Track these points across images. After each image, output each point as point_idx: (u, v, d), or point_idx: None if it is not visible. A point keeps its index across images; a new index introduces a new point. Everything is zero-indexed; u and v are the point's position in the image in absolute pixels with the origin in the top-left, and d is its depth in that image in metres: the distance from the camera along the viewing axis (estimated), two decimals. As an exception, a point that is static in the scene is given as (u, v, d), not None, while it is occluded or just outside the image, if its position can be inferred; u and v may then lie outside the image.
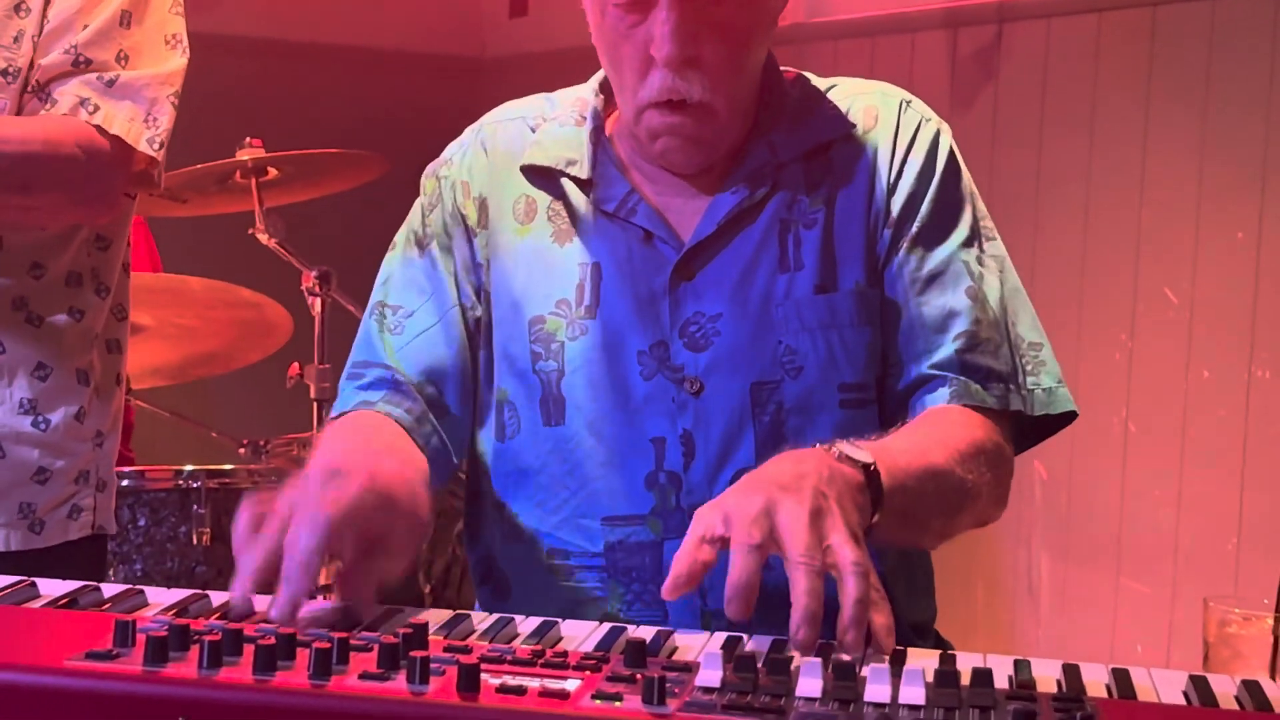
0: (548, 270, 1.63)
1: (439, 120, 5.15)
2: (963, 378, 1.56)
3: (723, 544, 1.24)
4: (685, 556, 1.24)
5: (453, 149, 1.75)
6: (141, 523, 2.96)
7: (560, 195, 1.65)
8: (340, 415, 1.64)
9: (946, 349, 1.57)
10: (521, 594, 1.66)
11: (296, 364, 3.10)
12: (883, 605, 1.22)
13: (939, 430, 1.52)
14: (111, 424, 2.08)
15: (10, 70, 1.90)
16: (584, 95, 1.70)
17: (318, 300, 3.10)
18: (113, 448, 2.09)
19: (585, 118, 1.67)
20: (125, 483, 2.92)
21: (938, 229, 1.61)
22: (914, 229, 1.60)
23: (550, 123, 1.69)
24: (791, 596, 1.18)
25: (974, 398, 1.55)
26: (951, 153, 1.65)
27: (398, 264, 1.71)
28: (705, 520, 1.26)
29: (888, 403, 1.60)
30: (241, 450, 3.14)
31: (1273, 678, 1.87)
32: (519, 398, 1.63)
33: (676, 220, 1.61)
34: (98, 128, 1.90)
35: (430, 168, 1.76)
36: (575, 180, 1.64)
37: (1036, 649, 3.49)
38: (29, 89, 1.91)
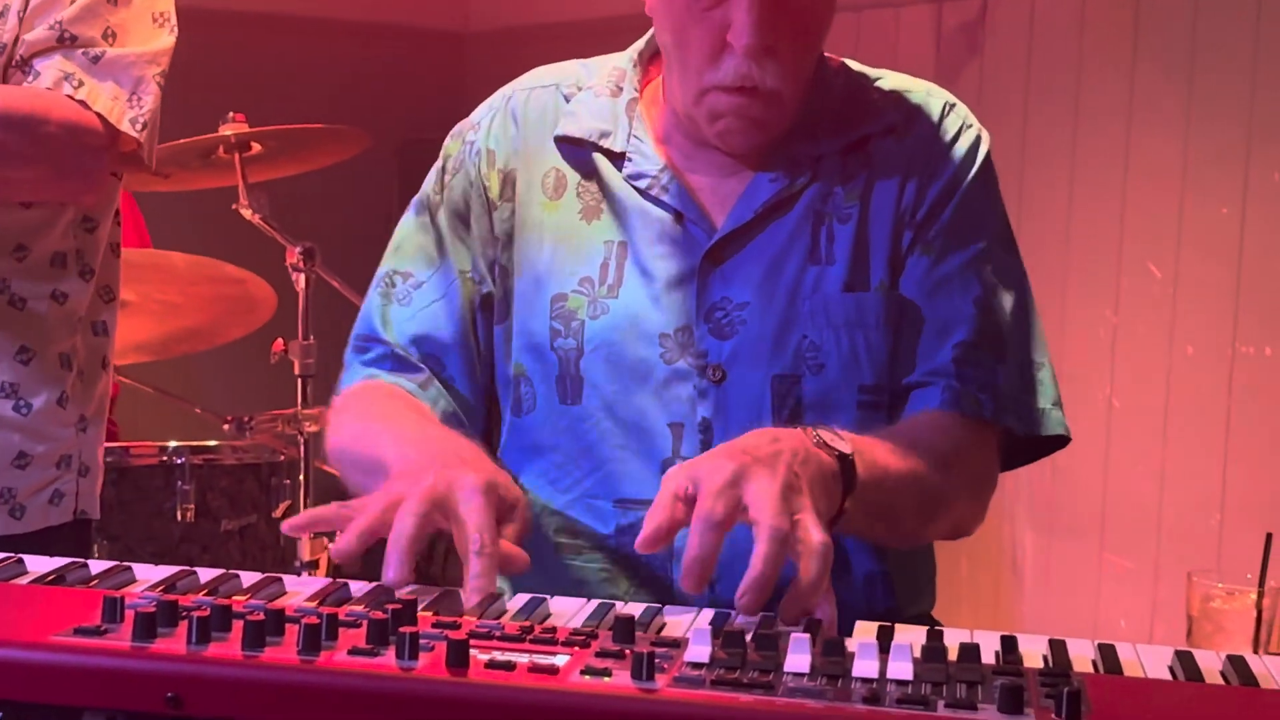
0: (572, 247, 1.61)
1: (423, 94, 5.14)
2: (957, 384, 1.54)
3: (692, 505, 1.25)
4: (658, 513, 1.25)
5: (481, 112, 1.71)
6: (125, 498, 2.96)
7: (591, 169, 1.63)
8: (350, 388, 1.64)
9: (945, 354, 1.55)
10: (527, 575, 1.66)
11: (281, 340, 3.10)
12: (829, 597, 1.22)
13: (923, 435, 1.51)
14: (96, 408, 2.06)
15: None
16: (621, 65, 1.67)
17: (302, 276, 3.09)
18: (97, 433, 2.07)
19: (621, 88, 1.65)
20: (109, 459, 2.91)
21: (957, 235, 1.58)
22: (934, 231, 1.58)
23: (585, 91, 1.66)
24: (750, 559, 1.18)
25: (965, 406, 1.54)
26: (987, 162, 1.63)
27: (412, 229, 1.69)
28: (676, 480, 1.27)
29: (898, 405, 1.58)
30: (226, 426, 3.14)
31: (1256, 651, 1.88)
32: (536, 374, 1.61)
33: (709, 201, 1.59)
34: (81, 103, 1.87)
35: (456, 128, 1.72)
36: (607, 153, 1.62)
37: (1020, 624, 3.51)
38: (12, 63, 1.88)
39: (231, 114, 3.15)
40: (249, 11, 4.48)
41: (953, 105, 1.64)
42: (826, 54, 1.66)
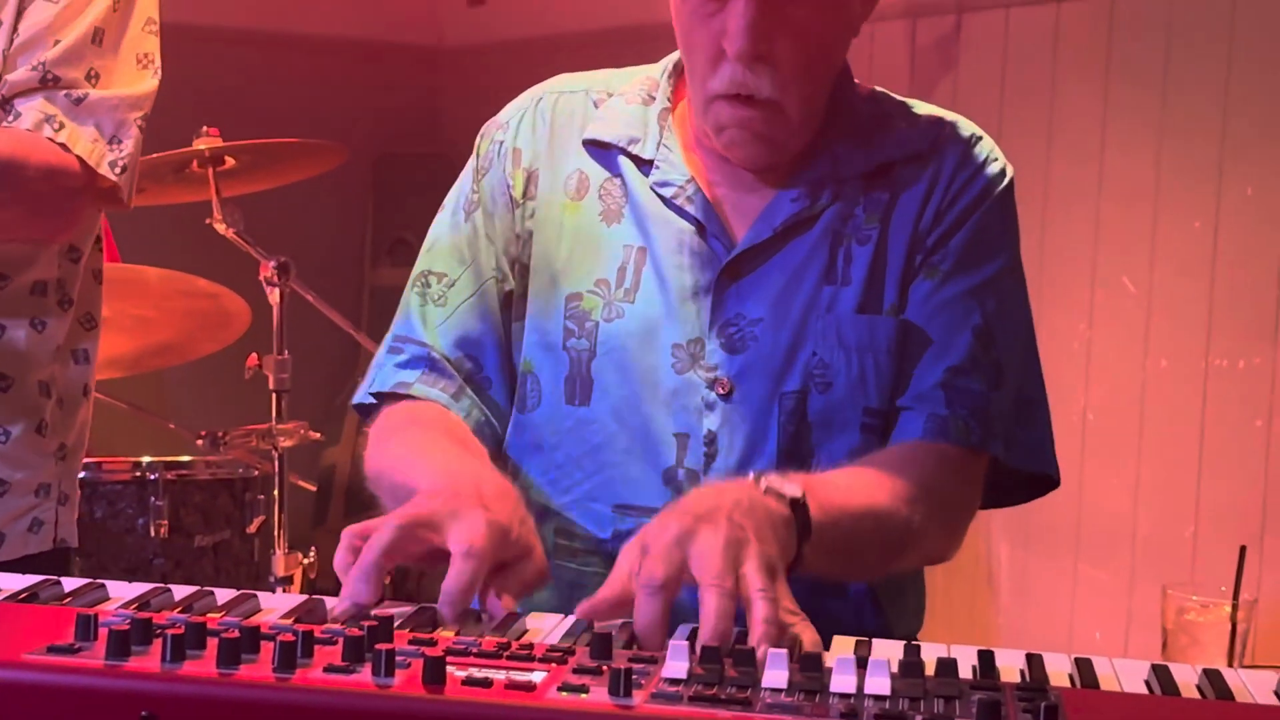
0: (591, 248, 1.61)
1: (397, 109, 5.13)
2: (943, 411, 1.54)
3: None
4: (609, 586, 1.25)
5: (510, 111, 1.72)
6: (98, 515, 2.94)
7: (617, 173, 1.63)
8: (380, 394, 1.63)
9: (932, 379, 1.55)
10: None
11: (255, 354, 3.09)
12: (806, 625, 1.21)
13: (892, 469, 1.50)
14: (77, 437, 2.04)
15: None
16: (654, 75, 1.68)
17: (276, 290, 3.09)
18: (77, 461, 2.04)
19: (654, 97, 1.65)
20: (82, 474, 2.90)
21: (966, 262, 1.58)
22: (940, 256, 1.58)
23: (616, 98, 1.66)
24: (700, 617, 1.18)
25: (950, 434, 1.53)
26: (1005, 195, 1.63)
27: (445, 229, 1.69)
28: (630, 553, 1.26)
29: (889, 426, 1.58)
30: (199, 442, 3.13)
31: (1231, 664, 1.88)
32: (544, 372, 1.61)
33: (731, 215, 1.59)
34: (62, 145, 1.84)
35: (485, 127, 1.72)
36: (635, 159, 1.62)
37: (996, 637, 3.51)
38: None
39: (205, 128, 3.15)
40: (223, 26, 4.48)
41: (980, 138, 1.65)
42: (857, 80, 1.66)
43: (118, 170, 1.89)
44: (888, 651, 1.16)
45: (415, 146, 4.91)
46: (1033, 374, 1.64)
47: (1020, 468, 1.60)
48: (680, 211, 1.59)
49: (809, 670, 1.05)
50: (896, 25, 3.64)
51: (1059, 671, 1.14)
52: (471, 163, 1.71)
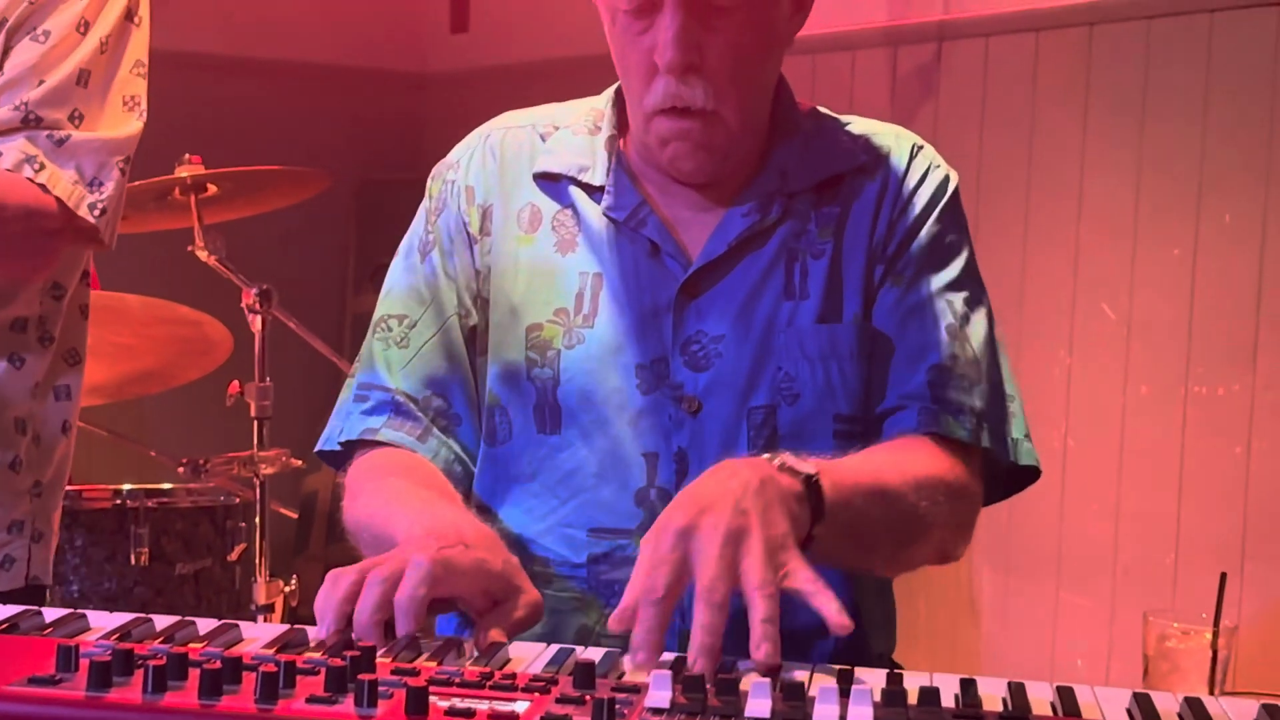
0: (548, 279, 1.63)
1: (380, 136, 5.13)
2: (933, 406, 1.56)
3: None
4: (634, 589, 1.25)
5: (459, 151, 1.74)
6: (79, 543, 2.93)
7: (568, 203, 1.65)
8: (348, 442, 1.64)
9: (918, 380, 1.57)
10: None
11: (236, 382, 3.08)
12: (825, 593, 1.22)
13: (898, 455, 1.52)
14: (54, 474, 2.02)
15: None
16: (598, 105, 1.70)
17: (258, 318, 3.08)
18: (54, 498, 2.03)
19: (599, 127, 1.67)
20: (63, 502, 2.89)
21: (927, 266, 1.62)
22: (903, 263, 1.61)
23: (562, 130, 1.69)
24: (692, 629, 1.19)
25: (942, 426, 1.55)
26: (954, 201, 1.66)
27: (401, 272, 1.71)
28: (647, 548, 1.27)
29: (872, 435, 1.59)
30: (180, 469, 3.11)
31: (1211, 691, 1.89)
32: (512, 404, 1.63)
33: (685, 236, 1.62)
34: (41, 186, 1.83)
35: (436, 169, 1.75)
36: (586, 187, 1.64)
37: (978, 664, 3.51)
38: None
39: (187, 155, 3.14)
40: (205, 53, 4.48)
41: (921, 147, 1.68)
42: (798, 100, 1.68)
43: (96, 213, 1.88)
44: (870, 680, 1.16)
45: (398, 173, 4.91)
46: (1005, 368, 1.66)
47: (1009, 461, 1.61)
48: (634, 234, 1.61)
49: (792, 699, 1.05)
50: (878, 53, 3.66)
51: (1041, 700, 1.14)
52: (425, 204, 1.73)
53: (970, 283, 1.65)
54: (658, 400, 1.58)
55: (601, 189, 1.63)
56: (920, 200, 1.63)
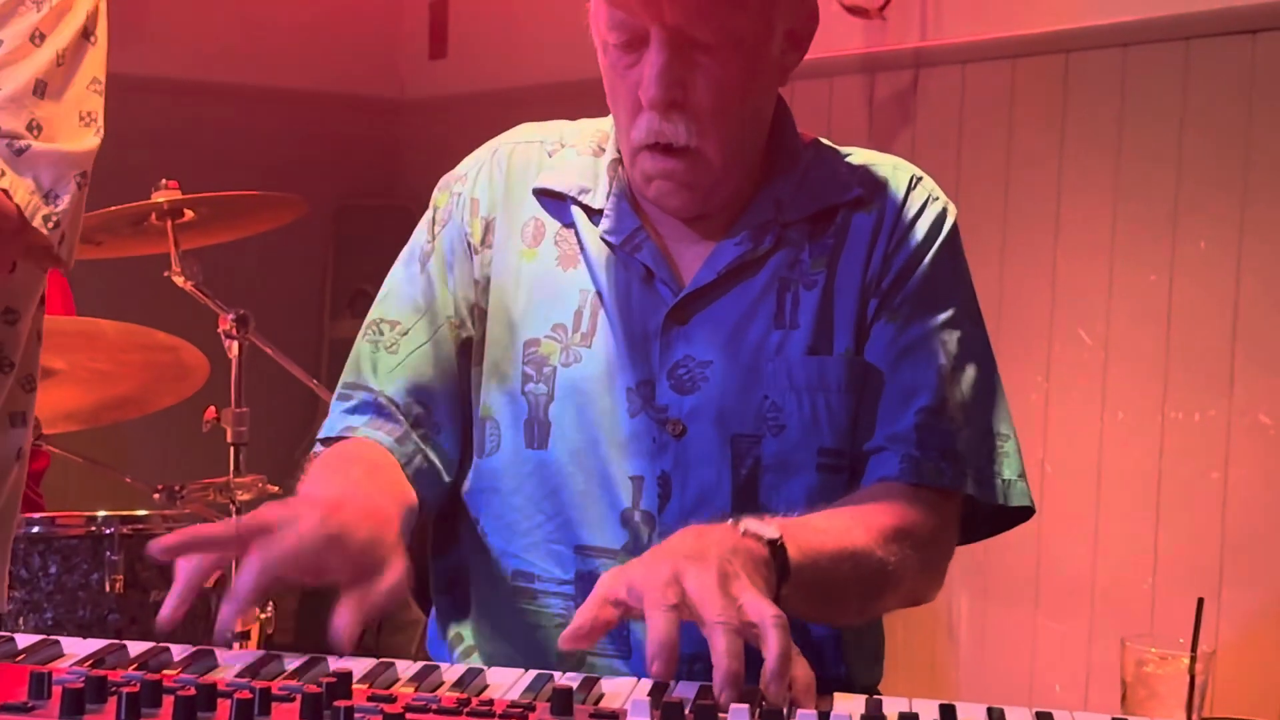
0: (548, 294, 1.63)
1: (358, 161, 5.14)
2: (916, 453, 1.55)
3: (626, 609, 1.25)
4: (588, 611, 1.24)
5: (468, 164, 1.74)
6: (53, 570, 2.91)
7: (569, 221, 1.65)
8: (326, 439, 1.64)
9: (906, 422, 1.56)
10: (480, 612, 1.66)
11: (213, 407, 3.07)
12: (800, 660, 1.21)
13: (868, 510, 1.51)
14: (6, 502, 1.99)
15: None
16: (604, 128, 1.70)
17: (235, 343, 3.07)
18: (6, 527, 2.00)
19: (604, 149, 1.67)
20: (36, 529, 2.88)
21: (923, 303, 1.61)
22: (899, 299, 1.60)
23: (568, 149, 1.69)
24: (713, 659, 1.18)
25: (923, 475, 1.55)
26: (953, 234, 1.66)
27: (399, 279, 1.71)
28: (609, 584, 1.26)
29: (857, 469, 1.59)
30: (156, 495, 3.09)
31: (1190, 717, 1.89)
32: (504, 417, 1.63)
33: (681, 263, 1.62)
34: (4, 191, 1.81)
35: (443, 180, 1.75)
36: (586, 209, 1.64)
37: (955, 689, 3.51)
38: None
39: (164, 181, 3.13)
40: (182, 79, 4.48)
41: (919, 179, 1.68)
42: (801, 130, 1.68)
43: (51, 225, 1.86)
44: (849, 706, 1.16)
45: (375, 199, 4.92)
46: (1000, 407, 1.65)
47: (996, 503, 1.61)
48: (630, 259, 1.61)
49: (770, 725, 1.05)
50: (854, 80, 3.67)
51: (1020, 725, 1.14)
52: (428, 214, 1.73)
53: (966, 321, 1.64)
54: (644, 423, 1.58)
55: (601, 212, 1.64)
56: (918, 234, 1.63)
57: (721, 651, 1.17)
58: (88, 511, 2.95)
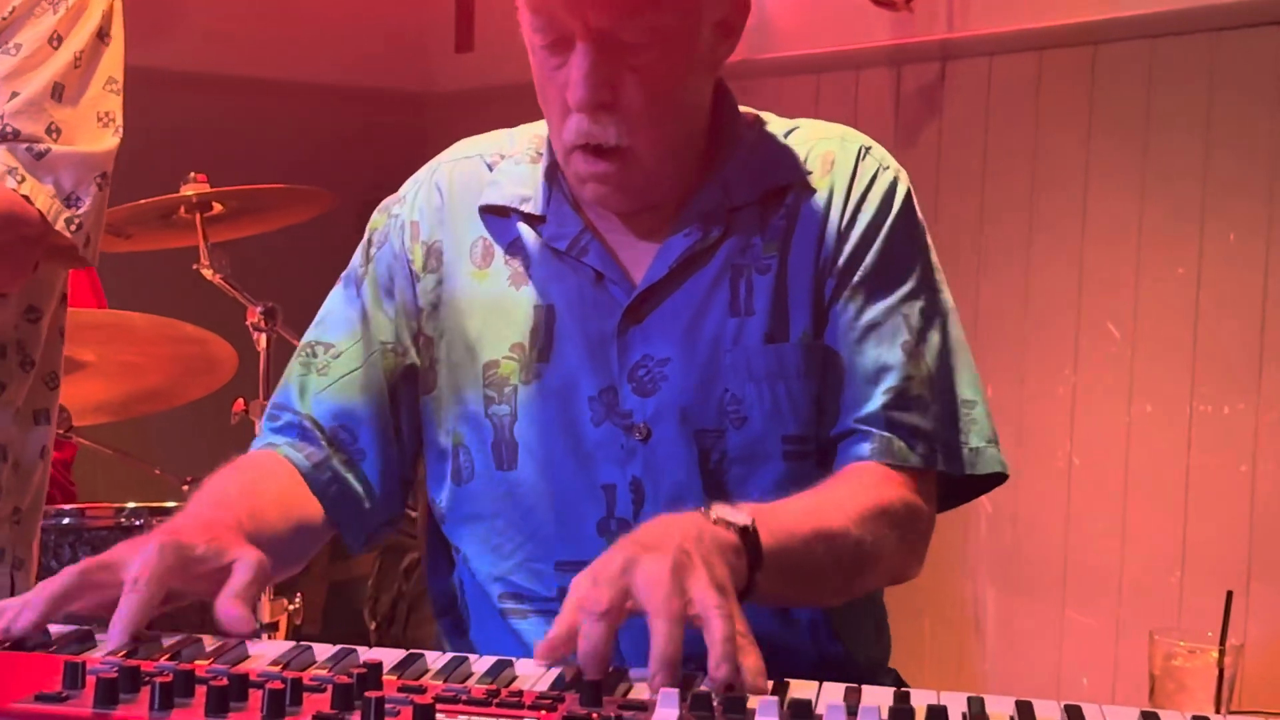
0: (503, 314, 1.61)
1: (385, 155, 5.15)
2: (886, 434, 1.54)
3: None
4: (560, 622, 1.24)
5: (408, 187, 1.73)
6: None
7: (515, 235, 1.63)
8: (238, 458, 1.64)
9: (874, 403, 1.55)
10: (479, 633, 1.65)
11: (241, 400, 3.08)
12: (750, 648, 1.21)
13: (841, 491, 1.51)
14: (32, 500, 2.01)
15: None
16: (540, 132, 1.68)
17: (263, 336, 3.09)
18: (33, 524, 2.01)
19: (541, 154, 1.65)
20: (66, 520, 2.89)
21: (881, 280, 1.59)
22: (857, 278, 1.58)
23: (507, 160, 1.68)
24: (651, 644, 1.17)
25: (895, 456, 1.54)
26: (907, 203, 1.63)
27: (337, 301, 1.70)
28: (578, 587, 1.26)
29: (826, 454, 1.58)
30: (185, 488, 3.11)
31: (1218, 710, 1.88)
32: (473, 442, 1.61)
33: (629, 260, 1.60)
34: (25, 197, 1.83)
35: (384, 203, 1.73)
36: (529, 218, 1.63)
37: (983, 683, 3.51)
38: None
39: (193, 174, 3.15)
40: (211, 73, 4.49)
41: (868, 149, 1.64)
42: (743, 108, 1.66)
43: (73, 228, 1.87)
44: (877, 698, 1.16)
45: (402, 192, 4.92)
46: (964, 371, 1.62)
47: (965, 474, 1.60)
48: (577, 263, 1.60)
49: (799, 717, 1.05)
50: (882, 72, 3.66)
51: (1049, 718, 1.14)
52: (366, 238, 1.72)
53: (926, 289, 1.61)
54: (609, 430, 1.57)
55: (543, 219, 1.62)
56: (870, 209, 1.60)
57: (660, 636, 1.17)
58: (117, 503, 2.96)
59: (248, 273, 3.20)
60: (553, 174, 1.63)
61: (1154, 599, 3.21)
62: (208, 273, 3.13)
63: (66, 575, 1.30)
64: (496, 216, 1.65)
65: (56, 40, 1.88)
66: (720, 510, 1.35)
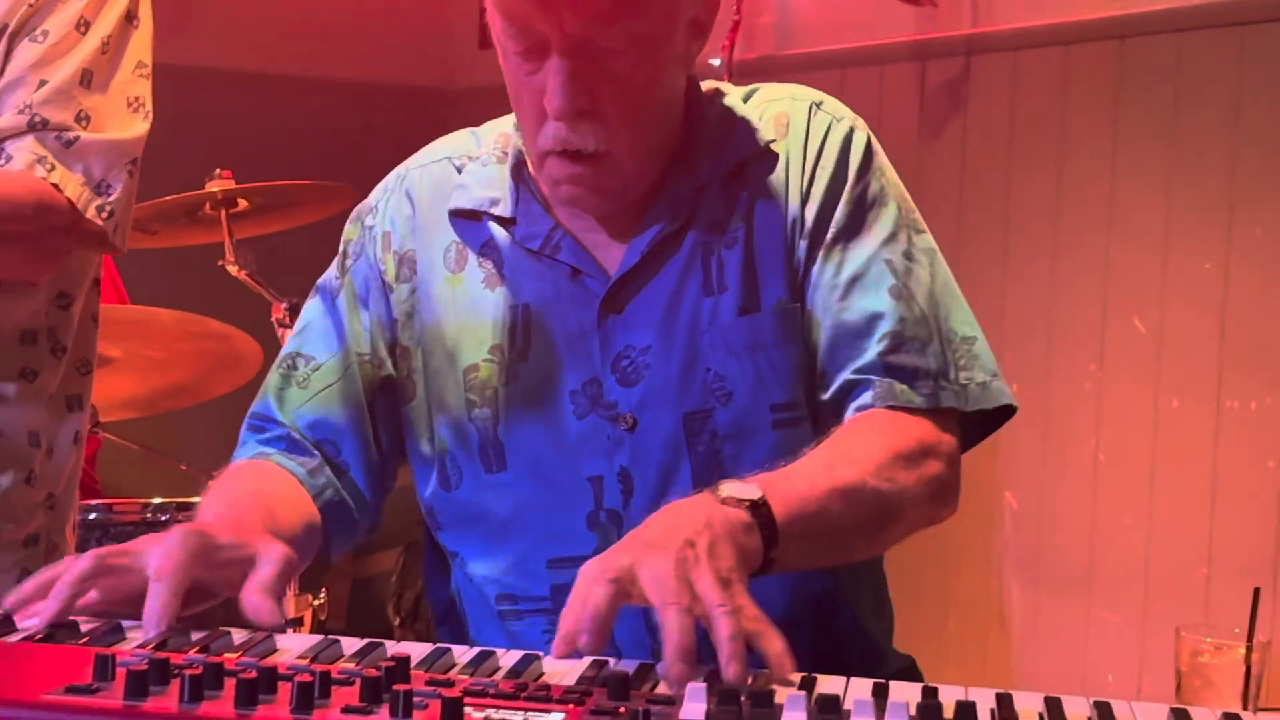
0: (479, 317, 1.61)
1: (409, 151, 5.11)
2: (887, 379, 1.52)
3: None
4: (570, 613, 1.23)
5: (376, 195, 1.72)
6: (109, 556, 2.93)
7: (487, 236, 1.63)
8: (237, 463, 1.64)
9: (870, 352, 1.54)
10: (478, 639, 1.65)
11: (266, 395, 3.08)
12: (768, 632, 1.20)
13: (851, 443, 1.49)
14: (66, 485, 2.02)
15: None
16: (506, 130, 1.68)
17: (288, 332, 3.08)
18: (66, 510, 2.02)
19: (507, 154, 1.65)
20: (93, 515, 2.90)
21: (855, 231, 1.57)
22: (830, 234, 1.57)
23: (474, 161, 1.67)
24: (663, 637, 1.17)
25: (899, 398, 1.52)
26: (867, 150, 1.61)
27: (316, 312, 1.70)
28: (583, 580, 1.25)
29: (820, 417, 1.56)
30: (210, 483, 3.11)
31: (1245, 707, 1.88)
32: (457, 447, 1.61)
33: (602, 254, 1.60)
34: (55, 186, 1.83)
35: (356, 211, 1.73)
36: (499, 220, 1.62)
37: (1008, 680, 3.50)
38: None
39: (218, 171, 3.16)
40: (235, 69, 4.50)
41: (819, 104, 1.63)
42: (703, 83, 1.65)
43: (104, 215, 1.87)
44: (905, 694, 1.16)
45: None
46: (957, 308, 1.61)
47: (973, 409, 1.58)
48: (552, 260, 1.59)
49: (827, 712, 1.05)
50: (906, 67, 3.65)
51: (1077, 714, 1.14)
52: (341, 248, 1.72)
53: (905, 229, 1.60)
54: (594, 423, 1.56)
55: (514, 220, 1.62)
56: (829, 165, 1.59)
57: (673, 628, 1.16)
58: (143, 498, 2.97)
59: (273, 269, 3.21)
60: (520, 174, 1.63)
61: (1180, 595, 3.20)
62: (233, 269, 3.14)
63: (86, 559, 1.31)
64: (467, 220, 1.65)
65: (84, 26, 1.88)
66: (729, 487, 1.34)
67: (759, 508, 1.33)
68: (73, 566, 1.30)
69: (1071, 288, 3.38)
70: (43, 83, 1.84)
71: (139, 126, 1.93)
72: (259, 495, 1.54)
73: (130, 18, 1.93)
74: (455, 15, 5.01)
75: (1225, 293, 3.12)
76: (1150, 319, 3.25)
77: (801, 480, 1.40)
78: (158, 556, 1.30)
